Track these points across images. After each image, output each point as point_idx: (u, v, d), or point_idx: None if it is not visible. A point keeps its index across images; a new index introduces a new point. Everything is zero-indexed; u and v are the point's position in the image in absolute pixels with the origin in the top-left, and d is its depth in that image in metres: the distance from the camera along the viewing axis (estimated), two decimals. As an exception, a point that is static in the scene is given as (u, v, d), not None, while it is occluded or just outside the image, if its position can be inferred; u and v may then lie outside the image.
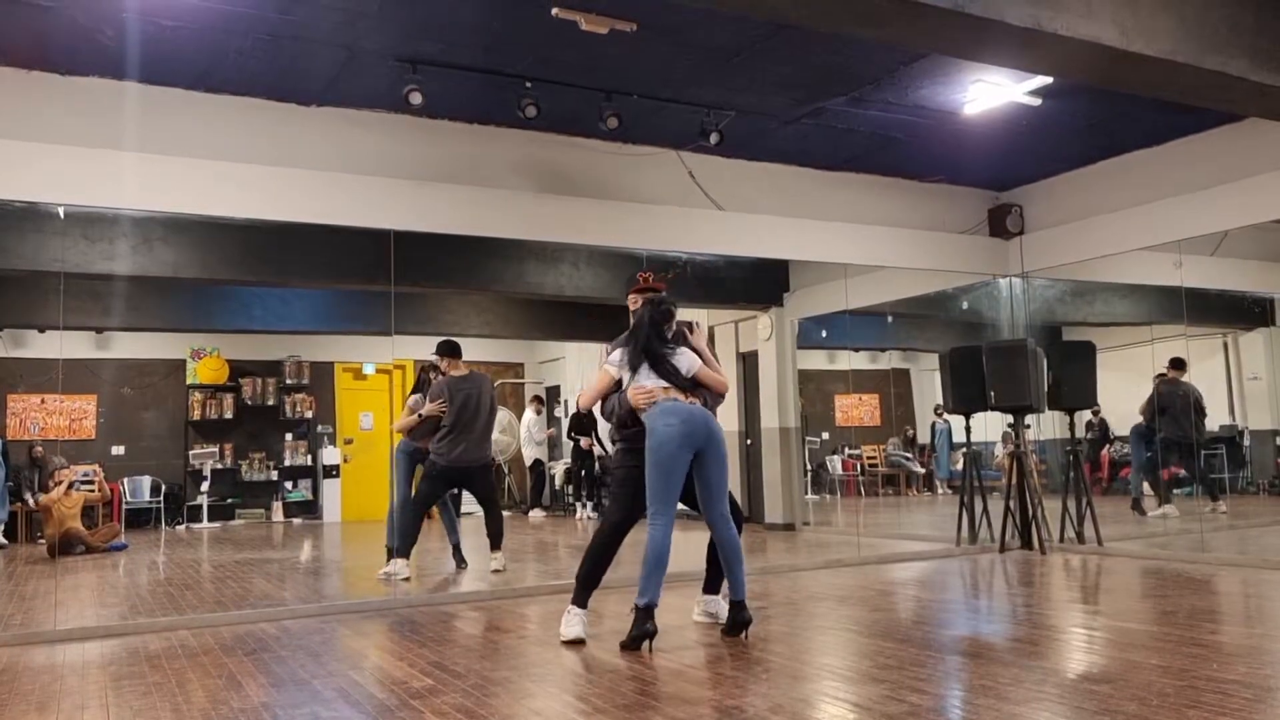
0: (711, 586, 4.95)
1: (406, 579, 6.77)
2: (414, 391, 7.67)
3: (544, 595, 6.08)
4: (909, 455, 13.33)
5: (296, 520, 12.88)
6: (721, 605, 4.83)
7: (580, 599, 4.61)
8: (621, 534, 4.67)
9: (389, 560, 6.94)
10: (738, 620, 4.55)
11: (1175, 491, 9.76)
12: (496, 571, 7.01)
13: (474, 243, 7.59)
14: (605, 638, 4.61)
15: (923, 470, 13.26)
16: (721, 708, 3.40)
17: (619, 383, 4.69)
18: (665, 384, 4.57)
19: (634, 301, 4.97)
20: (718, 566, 4.76)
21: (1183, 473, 9.70)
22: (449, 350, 7.24)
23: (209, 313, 10.35)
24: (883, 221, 7.99)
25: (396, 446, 7.45)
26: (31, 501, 10.09)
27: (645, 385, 4.57)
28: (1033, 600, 5.65)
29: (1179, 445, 9.31)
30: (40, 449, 11.24)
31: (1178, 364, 9.26)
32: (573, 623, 4.57)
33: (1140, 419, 9.65)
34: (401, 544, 6.90)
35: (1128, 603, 5.53)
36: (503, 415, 13.98)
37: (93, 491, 10.00)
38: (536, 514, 13.15)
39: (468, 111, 6.38)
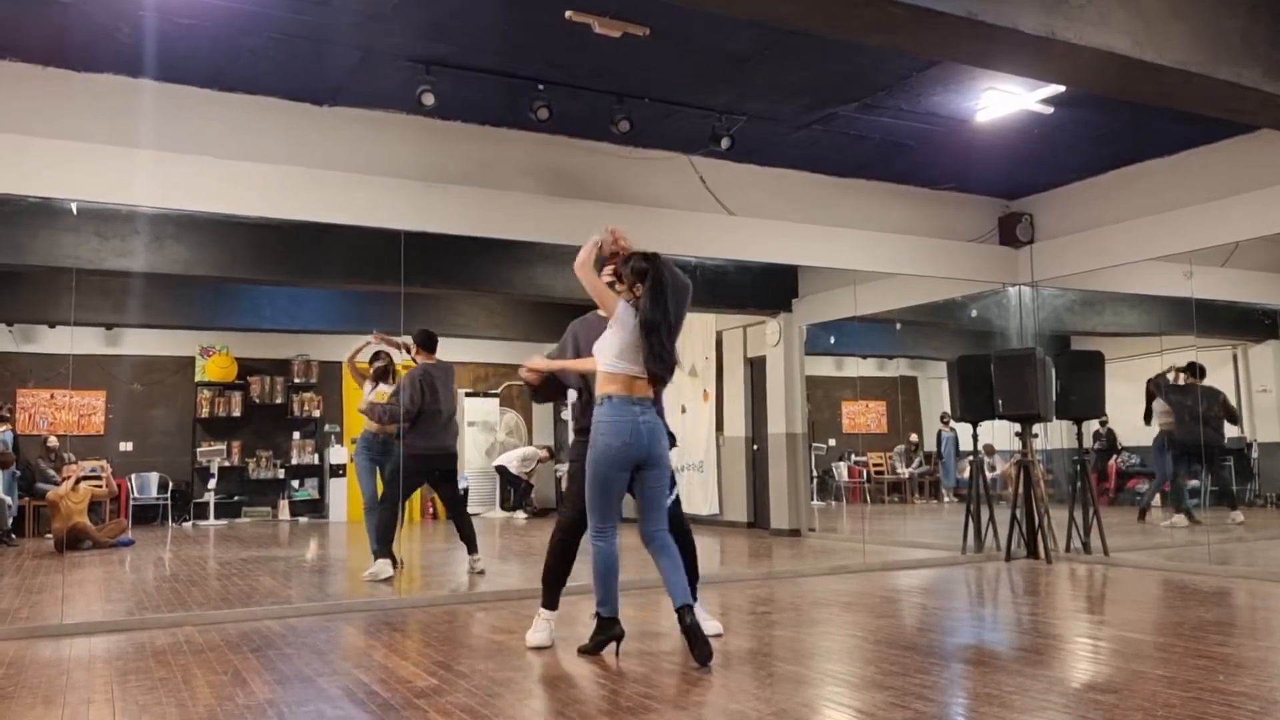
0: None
1: (388, 579, 6.69)
2: (378, 380, 7.76)
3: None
4: (915, 465, 13.33)
5: (303, 519, 12.90)
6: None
7: (549, 600, 4.56)
8: (578, 532, 4.52)
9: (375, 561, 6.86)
10: (694, 630, 4.12)
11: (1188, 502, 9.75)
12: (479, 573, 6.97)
13: (484, 244, 7.62)
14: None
15: (908, 475, 13.27)
16: (725, 711, 3.40)
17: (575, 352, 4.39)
18: (633, 372, 4.19)
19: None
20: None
21: (1194, 482, 9.70)
22: (423, 341, 7.18)
23: (219, 311, 10.41)
24: (893, 229, 7.99)
25: (356, 445, 7.41)
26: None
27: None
28: (1038, 609, 5.63)
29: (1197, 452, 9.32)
30: (56, 440, 11.31)
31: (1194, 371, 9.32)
32: (539, 628, 4.52)
33: (1159, 429, 9.62)
34: (379, 544, 6.82)
35: (1133, 613, 5.51)
36: (510, 418, 14.04)
37: (100, 487, 10.02)
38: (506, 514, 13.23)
39: (480, 113, 6.40)
